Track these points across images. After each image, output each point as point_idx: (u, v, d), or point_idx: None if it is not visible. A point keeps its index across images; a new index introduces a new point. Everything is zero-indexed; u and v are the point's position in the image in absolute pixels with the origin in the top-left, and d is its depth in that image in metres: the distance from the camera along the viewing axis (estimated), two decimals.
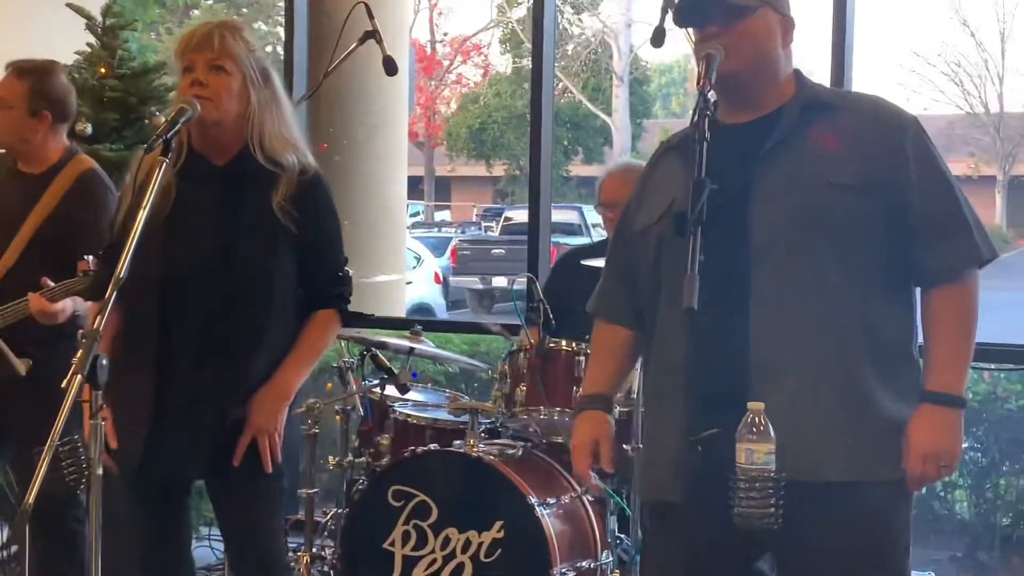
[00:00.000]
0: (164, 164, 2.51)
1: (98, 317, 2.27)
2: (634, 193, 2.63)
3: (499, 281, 17.09)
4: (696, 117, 2.21)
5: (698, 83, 2.29)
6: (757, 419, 2.06)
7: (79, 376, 2.17)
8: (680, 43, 2.50)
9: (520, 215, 18.66)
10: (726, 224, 2.23)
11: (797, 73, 2.48)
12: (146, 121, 4.70)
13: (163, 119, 2.70)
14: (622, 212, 2.67)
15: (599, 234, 16.01)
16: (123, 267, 2.32)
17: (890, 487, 2.31)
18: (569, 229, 18.99)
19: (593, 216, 18.14)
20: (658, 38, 3.00)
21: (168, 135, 2.56)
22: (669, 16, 2.59)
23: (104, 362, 2.21)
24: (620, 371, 2.69)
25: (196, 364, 2.80)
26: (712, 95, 2.22)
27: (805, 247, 2.30)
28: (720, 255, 2.19)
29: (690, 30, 2.44)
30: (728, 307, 2.25)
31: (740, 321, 2.28)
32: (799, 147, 2.36)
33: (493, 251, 18.40)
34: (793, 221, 2.30)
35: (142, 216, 2.39)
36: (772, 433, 2.05)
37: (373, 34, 3.85)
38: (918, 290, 2.42)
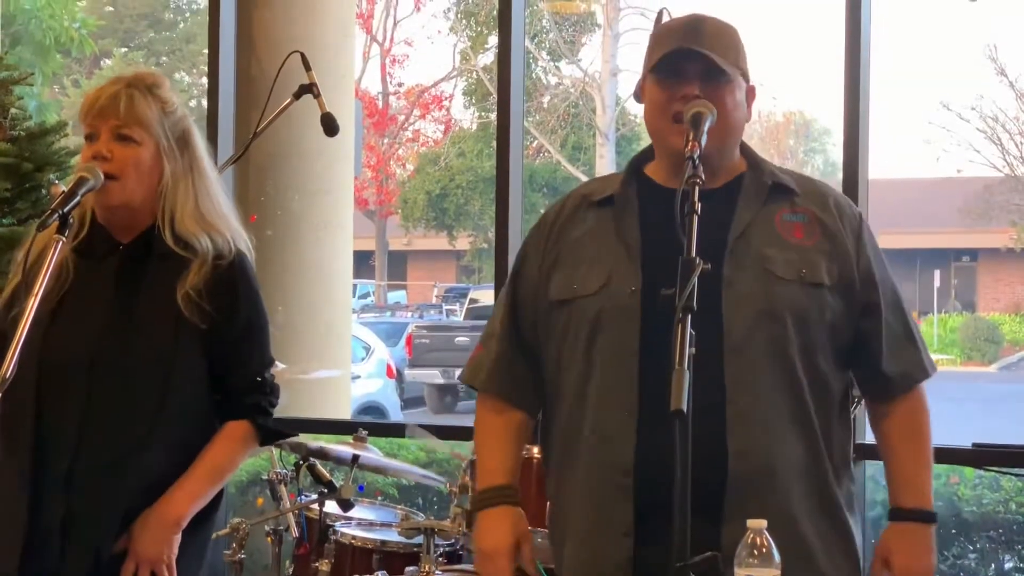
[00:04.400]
0: (60, 243, 2.51)
1: None
2: (533, 247, 2.68)
3: None
4: (684, 186, 2.28)
5: (685, 145, 2.37)
6: (759, 539, 2.06)
7: None
8: None
9: (488, 296, 18.69)
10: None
11: (743, 144, 2.63)
12: (43, 191, 4.71)
13: (62, 189, 2.71)
14: (515, 269, 2.71)
15: None
16: (10, 366, 2.31)
17: None
18: None
19: None
20: (641, 94, 3.05)
21: (65, 209, 2.56)
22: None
23: None
24: (519, 458, 2.76)
25: (68, 477, 2.77)
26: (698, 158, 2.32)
27: (780, 347, 2.45)
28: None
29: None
30: (699, 405, 2.24)
31: (714, 422, 2.39)
32: (767, 236, 2.51)
33: (456, 339, 18.39)
34: (770, 319, 2.45)
35: (32, 305, 2.39)
36: (777, 556, 2.05)
37: (309, 88, 3.90)
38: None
